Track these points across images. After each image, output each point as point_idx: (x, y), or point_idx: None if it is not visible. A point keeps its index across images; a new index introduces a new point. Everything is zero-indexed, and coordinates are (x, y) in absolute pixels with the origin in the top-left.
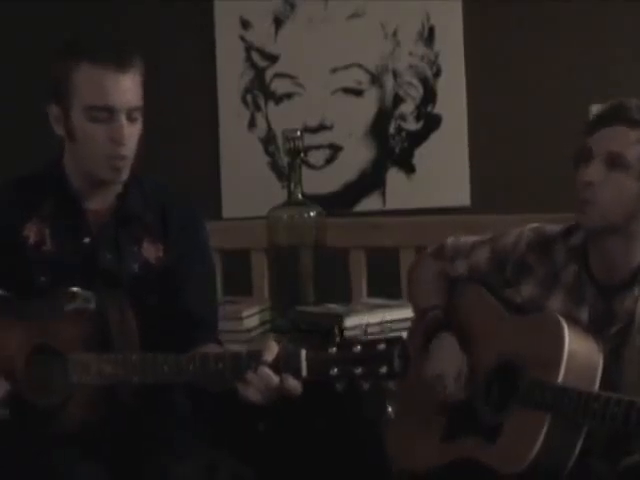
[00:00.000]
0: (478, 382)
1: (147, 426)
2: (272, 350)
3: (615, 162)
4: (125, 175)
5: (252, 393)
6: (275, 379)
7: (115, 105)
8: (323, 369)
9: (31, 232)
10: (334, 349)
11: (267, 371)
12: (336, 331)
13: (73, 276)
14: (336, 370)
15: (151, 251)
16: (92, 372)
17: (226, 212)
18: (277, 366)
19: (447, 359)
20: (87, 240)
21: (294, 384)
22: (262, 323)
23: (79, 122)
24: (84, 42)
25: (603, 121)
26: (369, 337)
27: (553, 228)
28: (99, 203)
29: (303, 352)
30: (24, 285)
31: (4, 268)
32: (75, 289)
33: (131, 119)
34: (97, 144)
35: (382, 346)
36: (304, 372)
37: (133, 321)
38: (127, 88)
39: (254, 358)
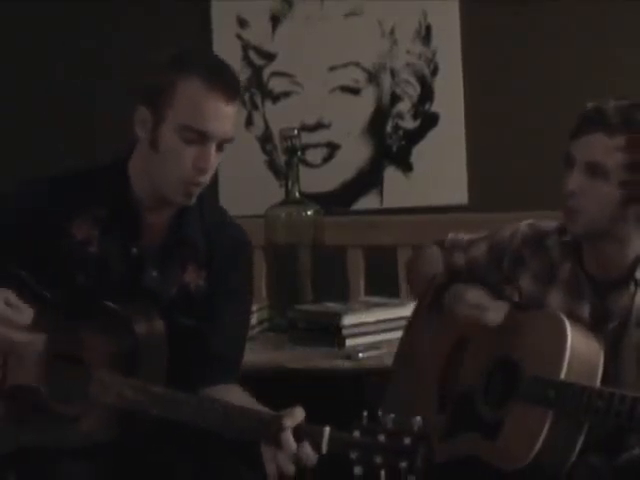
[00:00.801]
0: (478, 379)
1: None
2: (296, 417)
3: (595, 171)
4: (193, 201)
5: (267, 458)
6: (294, 445)
7: (211, 132)
8: (344, 451)
9: (79, 231)
10: (358, 433)
11: (288, 437)
12: (364, 413)
13: (113, 283)
14: (356, 454)
15: (193, 277)
16: (112, 393)
17: None
18: (298, 434)
19: (469, 292)
20: (135, 251)
21: (310, 454)
22: (260, 322)
23: (168, 136)
24: (197, 57)
25: (583, 128)
26: (395, 427)
27: (549, 224)
28: (156, 217)
29: (327, 430)
30: (62, 283)
31: (45, 265)
32: (111, 304)
33: (220, 149)
34: (180, 165)
35: (407, 440)
36: (325, 449)
37: (163, 338)
38: (228, 118)
39: (276, 421)
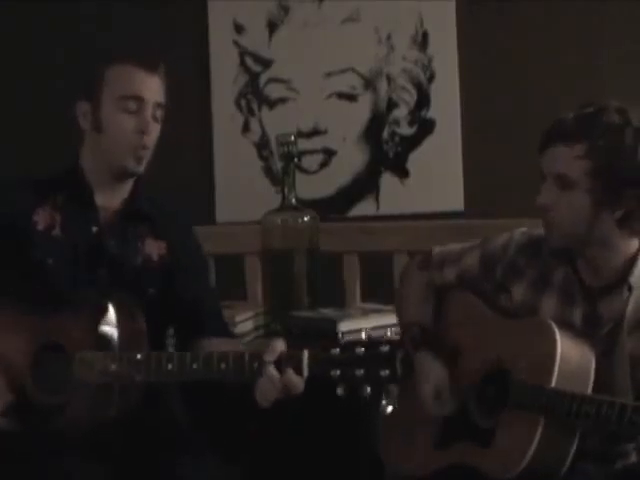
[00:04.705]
0: (471, 387)
1: (148, 427)
2: (275, 349)
3: (562, 183)
4: (143, 167)
5: (258, 394)
6: (277, 375)
7: (144, 96)
8: (325, 370)
9: (41, 218)
10: (337, 350)
11: (270, 369)
12: (339, 332)
13: (79, 260)
14: (338, 372)
15: (153, 248)
16: (96, 370)
17: (220, 216)
18: (279, 364)
19: (423, 379)
20: (95, 229)
21: (296, 380)
22: (256, 328)
23: (109, 113)
24: (118, 49)
25: (545, 142)
26: (372, 339)
27: (541, 231)
28: (109, 200)
29: (305, 352)
30: (30, 269)
31: (11, 253)
32: (86, 290)
33: (155, 117)
34: (125, 133)
35: (385, 348)
36: (305, 372)
37: (143, 323)
38: (154, 85)
39: (256, 358)
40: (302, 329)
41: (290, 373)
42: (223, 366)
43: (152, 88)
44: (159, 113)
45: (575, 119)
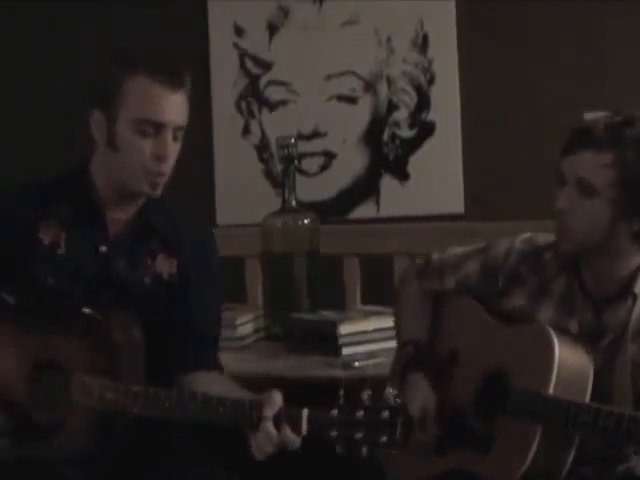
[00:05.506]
0: (469, 393)
1: (148, 433)
2: (275, 403)
3: (585, 189)
4: (160, 191)
5: (254, 447)
6: (274, 433)
7: (165, 122)
8: (324, 430)
9: (46, 234)
10: (336, 411)
11: (268, 425)
12: (341, 393)
13: (82, 281)
14: (336, 432)
15: (165, 266)
16: (93, 396)
17: (220, 219)
18: (278, 420)
19: (412, 402)
20: (104, 249)
21: (293, 438)
22: (256, 330)
23: (124, 133)
24: (141, 53)
25: (572, 145)
26: (373, 403)
27: (544, 238)
28: (121, 213)
29: (305, 411)
30: (29, 287)
31: (11, 268)
32: (85, 309)
33: (175, 138)
34: (140, 158)
35: (385, 414)
36: (304, 431)
37: (141, 344)
38: (178, 106)
39: (255, 409)
40: (302, 331)
41: (288, 432)
42: (221, 410)
43: (174, 109)
44: (180, 134)
45: (605, 127)
